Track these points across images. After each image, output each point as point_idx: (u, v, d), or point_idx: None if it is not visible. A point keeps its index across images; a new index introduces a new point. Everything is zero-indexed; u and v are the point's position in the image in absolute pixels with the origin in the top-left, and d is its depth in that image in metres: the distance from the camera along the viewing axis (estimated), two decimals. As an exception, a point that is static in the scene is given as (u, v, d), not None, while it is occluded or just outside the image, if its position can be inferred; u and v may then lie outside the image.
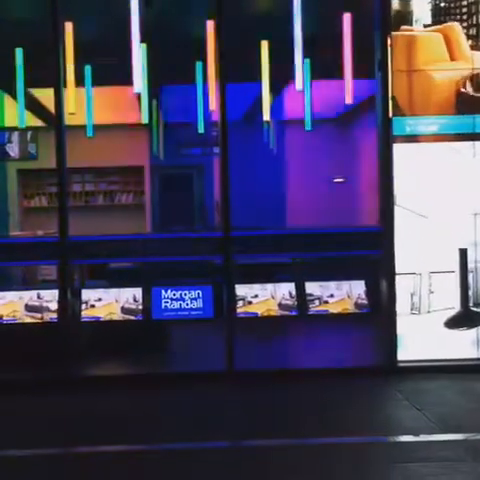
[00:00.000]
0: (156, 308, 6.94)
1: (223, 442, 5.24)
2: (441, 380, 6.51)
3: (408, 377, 6.61)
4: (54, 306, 6.85)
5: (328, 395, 6.26)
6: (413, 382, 6.50)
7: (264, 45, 7.30)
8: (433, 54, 6.81)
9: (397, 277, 6.77)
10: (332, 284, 6.98)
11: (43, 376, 6.73)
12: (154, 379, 6.75)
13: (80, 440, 5.33)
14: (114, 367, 7.19)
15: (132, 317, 6.92)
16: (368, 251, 7.01)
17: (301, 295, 6.96)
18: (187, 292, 6.94)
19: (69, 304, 6.81)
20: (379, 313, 6.93)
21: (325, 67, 7.58)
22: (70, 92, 6.84)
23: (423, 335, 6.83)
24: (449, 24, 6.88)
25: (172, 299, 6.93)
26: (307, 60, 7.17)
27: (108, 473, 4.72)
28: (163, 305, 6.93)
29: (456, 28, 6.84)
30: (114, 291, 7.01)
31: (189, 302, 6.91)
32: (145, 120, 7.39)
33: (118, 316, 6.92)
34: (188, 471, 4.70)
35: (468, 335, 6.86)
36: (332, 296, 6.98)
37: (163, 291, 6.95)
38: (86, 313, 6.88)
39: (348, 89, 6.97)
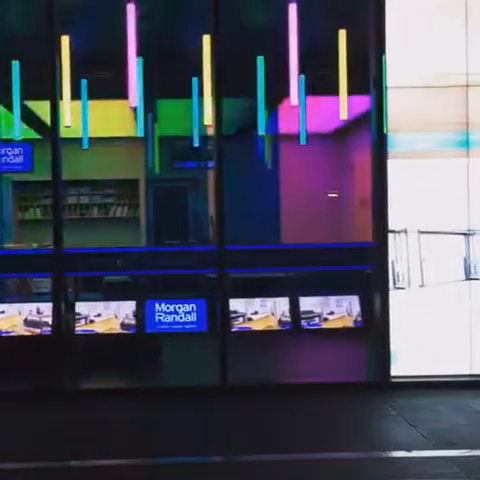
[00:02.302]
0: (150, 321, 6.93)
1: (211, 457, 5.24)
2: (435, 396, 6.51)
3: (401, 393, 6.61)
4: (49, 319, 6.83)
5: (320, 410, 6.25)
6: (406, 398, 6.50)
7: (260, 60, 7.34)
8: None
9: (391, 292, 6.80)
10: (325, 299, 6.98)
11: (36, 389, 6.75)
12: (146, 393, 6.75)
13: (64, 453, 5.31)
14: (106, 381, 7.18)
15: (125, 331, 6.90)
16: (361, 266, 7.03)
17: (295, 310, 6.95)
18: (181, 305, 6.93)
19: (63, 317, 6.80)
20: (372, 328, 6.94)
21: (320, 83, 7.62)
22: (66, 105, 6.87)
23: (417, 351, 6.84)
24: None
25: (166, 312, 6.91)
26: (302, 76, 7.21)
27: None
28: (157, 318, 6.92)
29: None
30: (107, 304, 6.99)
31: (183, 316, 6.90)
32: (140, 133, 7.41)
33: (110, 329, 6.90)
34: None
35: (461, 351, 6.86)
36: (326, 312, 6.97)
37: (157, 304, 6.94)
38: (79, 326, 6.86)
39: (343, 105, 7.02)
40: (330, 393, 6.60)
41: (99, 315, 6.89)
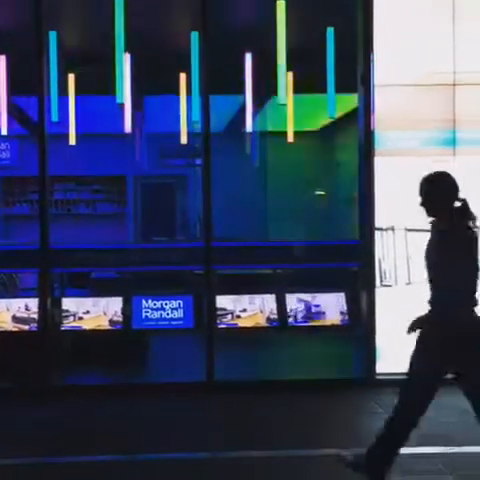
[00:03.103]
0: (136, 318, 6.92)
1: (197, 453, 5.24)
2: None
3: (387, 390, 6.62)
4: (35, 315, 6.81)
5: (306, 407, 6.27)
6: (392, 395, 6.50)
7: (248, 57, 7.35)
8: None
9: (378, 289, 6.82)
10: (310, 296, 6.99)
11: (22, 385, 6.73)
12: (132, 389, 6.75)
13: (45, 450, 5.31)
14: (93, 377, 7.17)
15: (111, 327, 6.89)
16: (348, 264, 7.05)
17: (281, 307, 6.97)
18: (168, 302, 6.93)
19: (49, 313, 6.78)
20: (359, 325, 6.96)
21: (308, 80, 7.63)
22: (53, 100, 6.86)
23: (402, 348, 6.86)
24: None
25: (153, 309, 6.91)
26: (290, 73, 7.22)
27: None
28: (143, 315, 6.91)
29: None
30: (95, 300, 6.98)
31: (170, 312, 6.90)
32: (128, 130, 7.41)
33: (97, 325, 6.89)
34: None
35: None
36: (310, 309, 6.99)
37: (144, 301, 6.94)
38: (67, 322, 6.85)
39: (331, 102, 7.04)
40: (316, 390, 6.61)
41: (88, 312, 6.87)
